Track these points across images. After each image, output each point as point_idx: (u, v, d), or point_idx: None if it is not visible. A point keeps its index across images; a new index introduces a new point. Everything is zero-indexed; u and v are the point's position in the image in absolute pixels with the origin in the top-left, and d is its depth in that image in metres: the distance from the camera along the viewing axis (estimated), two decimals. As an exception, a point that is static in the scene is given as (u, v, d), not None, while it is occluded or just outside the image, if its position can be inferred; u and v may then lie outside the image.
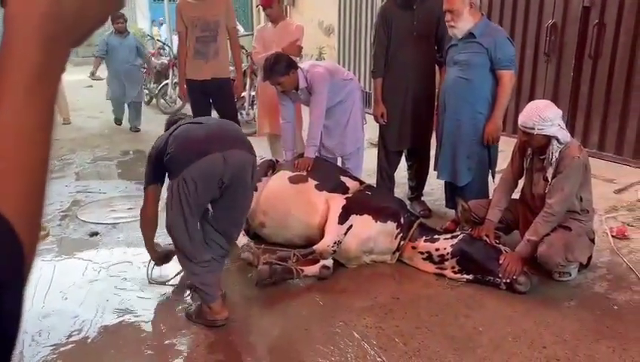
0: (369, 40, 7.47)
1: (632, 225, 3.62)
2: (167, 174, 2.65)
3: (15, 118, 0.46)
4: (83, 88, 10.32)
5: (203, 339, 2.56)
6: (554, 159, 2.89)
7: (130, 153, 6.16)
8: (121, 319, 2.76)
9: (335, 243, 3.08)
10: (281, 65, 3.60)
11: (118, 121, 7.43)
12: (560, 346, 2.43)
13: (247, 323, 2.68)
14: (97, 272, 3.27)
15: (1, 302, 0.42)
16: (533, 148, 3.02)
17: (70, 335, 2.61)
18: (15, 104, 0.46)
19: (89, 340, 2.59)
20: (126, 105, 7.26)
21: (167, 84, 8.10)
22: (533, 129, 2.87)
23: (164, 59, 8.77)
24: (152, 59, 8.70)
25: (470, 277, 3.00)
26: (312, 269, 3.04)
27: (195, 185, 2.46)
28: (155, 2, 18.78)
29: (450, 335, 2.53)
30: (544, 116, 2.85)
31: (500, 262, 2.90)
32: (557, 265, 2.87)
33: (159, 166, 2.62)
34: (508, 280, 2.86)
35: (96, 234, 3.84)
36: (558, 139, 2.87)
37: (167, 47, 9.59)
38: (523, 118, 2.93)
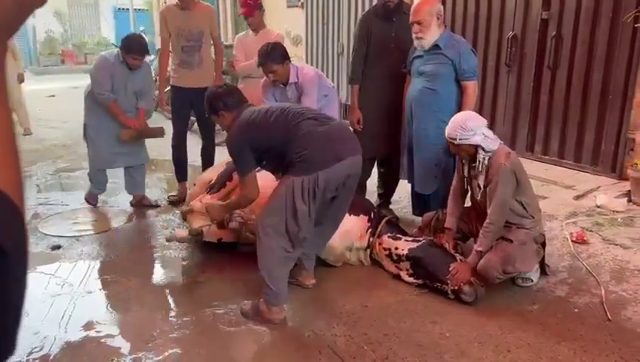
0: (336, 50, 7.56)
1: (590, 230, 3.74)
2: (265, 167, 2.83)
3: None
4: (44, 98, 10.09)
5: (170, 353, 2.52)
6: (482, 167, 2.97)
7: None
8: (85, 334, 2.69)
9: None
10: (277, 53, 3.63)
11: (92, 199, 4.56)
12: (524, 349, 2.49)
13: (215, 336, 2.65)
14: (60, 286, 3.18)
15: (10, 269, 0.45)
16: (464, 158, 3.11)
17: (31, 353, 2.53)
18: None
19: (51, 357, 2.51)
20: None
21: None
22: (455, 139, 2.97)
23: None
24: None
25: (420, 281, 3.06)
26: None
27: (325, 186, 2.55)
28: (120, 11, 18.53)
29: (417, 342, 2.56)
30: (465, 126, 2.94)
31: (450, 269, 2.96)
32: (494, 278, 2.93)
33: (251, 155, 2.70)
34: (455, 288, 2.90)
35: (58, 247, 3.74)
36: (483, 148, 2.95)
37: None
38: (447, 130, 3.03)
